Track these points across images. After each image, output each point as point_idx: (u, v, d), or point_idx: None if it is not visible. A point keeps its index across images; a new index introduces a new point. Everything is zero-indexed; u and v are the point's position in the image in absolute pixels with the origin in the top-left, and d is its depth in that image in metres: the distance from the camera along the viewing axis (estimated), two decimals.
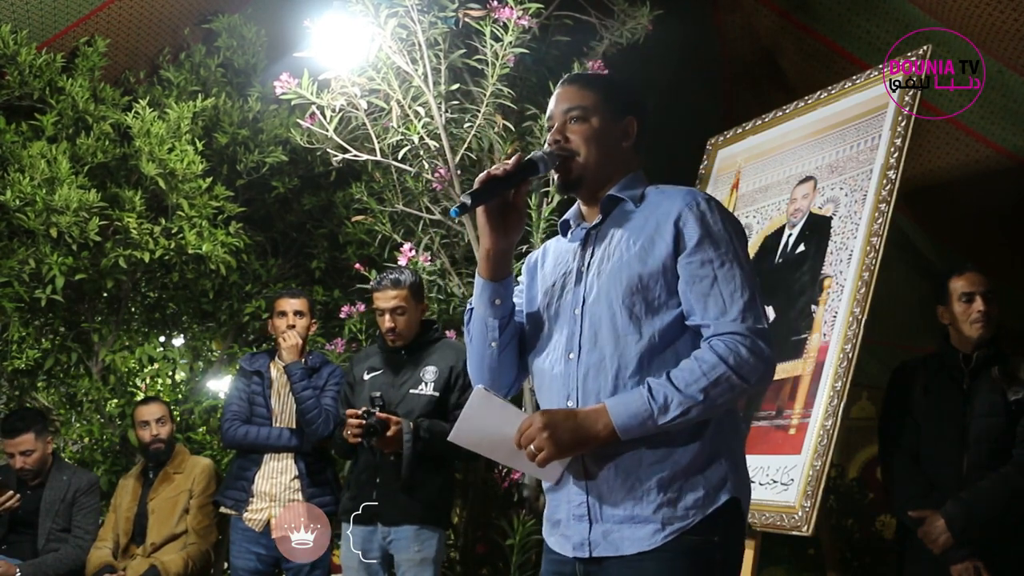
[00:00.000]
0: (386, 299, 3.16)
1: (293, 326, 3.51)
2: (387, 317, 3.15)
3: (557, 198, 3.76)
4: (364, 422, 2.95)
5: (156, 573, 3.43)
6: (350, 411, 3.01)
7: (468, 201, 1.63)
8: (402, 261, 3.74)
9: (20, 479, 3.58)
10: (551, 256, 1.86)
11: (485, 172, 1.67)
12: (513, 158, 1.68)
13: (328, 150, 3.68)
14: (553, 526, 1.74)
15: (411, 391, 3.12)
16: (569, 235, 1.83)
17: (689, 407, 1.56)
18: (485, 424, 1.67)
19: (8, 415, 3.87)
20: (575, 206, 1.84)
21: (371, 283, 3.33)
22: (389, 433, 2.96)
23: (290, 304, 3.56)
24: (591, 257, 1.74)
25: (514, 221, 1.72)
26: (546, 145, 1.77)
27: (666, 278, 1.65)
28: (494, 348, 1.78)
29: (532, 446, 1.58)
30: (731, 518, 1.63)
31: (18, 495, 3.50)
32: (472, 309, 1.80)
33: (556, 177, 1.76)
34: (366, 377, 3.21)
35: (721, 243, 1.64)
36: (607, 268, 1.69)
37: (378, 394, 3.02)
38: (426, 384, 3.12)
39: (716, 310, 1.61)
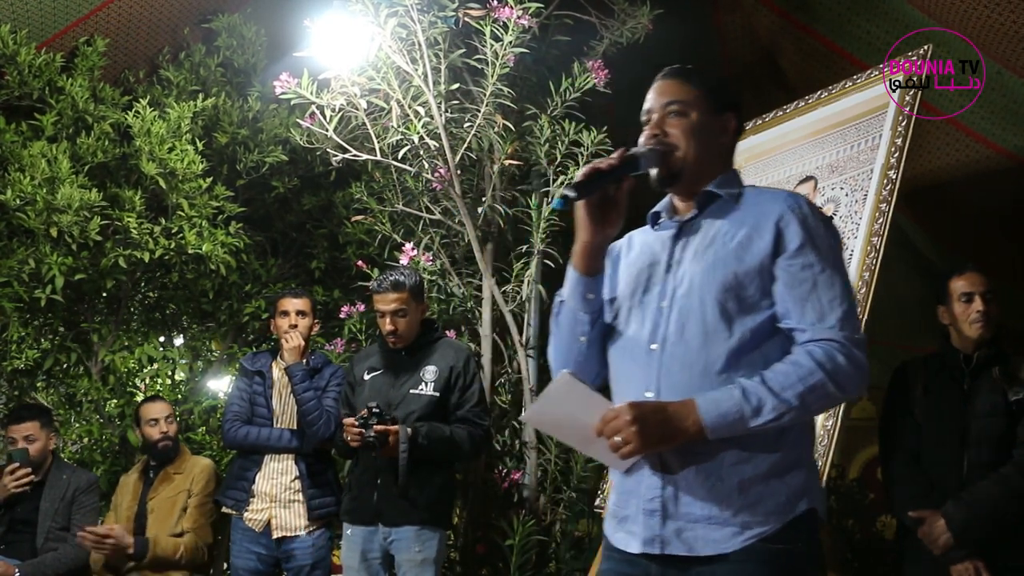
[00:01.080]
0: (386, 302, 3.14)
1: (295, 326, 3.50)
2: (388, 320, 3.14)
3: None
4: (362, 432, 2.94)
5: (145, 544, 3.44)
6: (347, 420, 3.01)
7: (572, 194, 1.60)
8: (403, 260, 3.74)
9: (32, 463, 3.57)
10: (636, 246, 1.82)
11: (590, 165, 1.65)
12: (616, 153, 1.67)
13: (328, 150, 3.68)
14: (619, 523, 1.70)
15: (411, 391, 3.11)
16: (657, 226, 1.81)
17: (783, 412, 1.53)
18: (565, 409, 1.62)
19: (15, 407, 3.88)
20: (666, 198, 1.82)
21: (371, 284, 3.33)
22: (389, 441, 2.96)
23: (293, 304, 3.55)
24: (682, 250, 1.71)
25: (613, 216, 1.69)
26: (642, 139, 1.74)
27: (762, 278, 1.62)
28: (583, 342, 1.75)
29: (618, 437, 1.54)
30: (811, 528, 1.60)
31: (33, 475, 3.51)
32: (562, 302, 1.78)
33: (654, 172, 1.73)
34: (366, 377, 3.21)
35: (823, 249, 1.63)
36: (700, 263, 1.66)
37: (375, 405, 2.99)
38: (426, 384, 3.11)
39: (814, 315, 1.59)
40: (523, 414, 1.69)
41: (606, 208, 1.68)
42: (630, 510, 1.67)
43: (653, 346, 1.65)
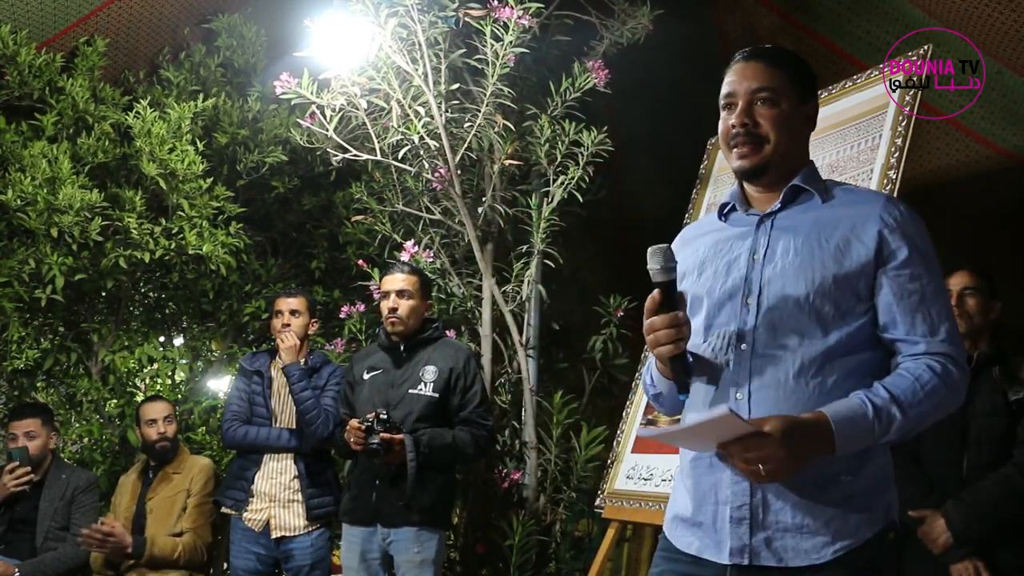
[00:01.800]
0: (394, 281, 3.16)
1: (288, 325, 3.50)
2: (391, 298, 3.14)
3: (558, 198, 3.76)
4: (366, 439, 2.94)
5: (143, 543, 3.44)
6: (353, 421, 3.00)
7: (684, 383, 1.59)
8: (404, 258, 3.74)
9: (32, 460, 3.57)
10: (708, 238, 1.74)
11: (665, 360, 1.59)
12: (667, 348, 1.57)
13: (328, 150, 3.68)
14: (690, 527, 1.63)
15: (410, 391, 3.10)
16: (729, 219, 1.74)
17: (910, 430, 1.52)
18: (707, 436, 1.52)
19: (18, 404, 3.89)
20: (734, 188, 1.74)
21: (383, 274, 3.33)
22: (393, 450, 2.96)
23: (286, 304, 3.55)
24: (768, 246, 1.63)
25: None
26: (723, 129, 1.66)
27: (861, 284, 1.57)
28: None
29: (763, 467, 1.45)
30: (893, 542, 1.59)
31: (32, 474, 3.52)
32: (656, 388, 1.76)
33: (740, 162, 1.65)
34: (366, 377, 3.20)
35: (929, 261, 1.59)
36: (793, 261, 1.59)
37: (384, 412, 2.99)
38: (425, 384, 3.10)
39: (925, 327, 1.56)
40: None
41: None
42: (706, 516, 1.61)
43: (743, 345, 1.59)
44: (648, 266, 1.56)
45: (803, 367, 1.55)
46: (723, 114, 1.68)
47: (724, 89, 1.67)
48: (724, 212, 1.75)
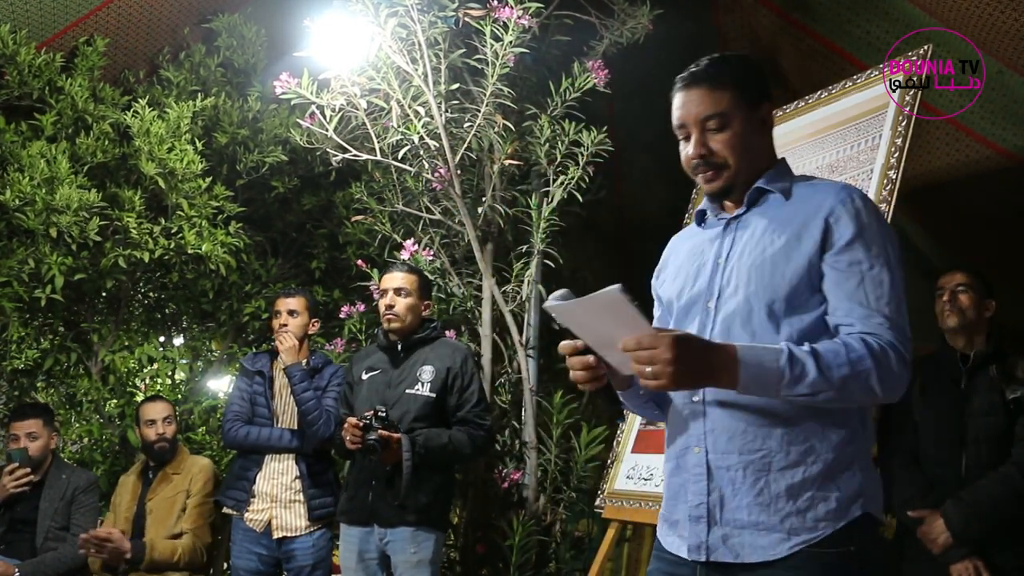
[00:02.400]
0: (392, 280, 3.17)
1: (285, 326, 3.50)
2: (389, 295, 3.15)
3: (557, 198, 3.76)
4: (363, 436, 2.94)
5: (142, 548, 3.44)
6: (351, 419, 3.00)
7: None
8: (404, 256, 3.74)
9: (33, 461, 3.58)
10: (687, 244, 1.79)
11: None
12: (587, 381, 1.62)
13: (328, 150, 3.67)
14: (670, 526, 1.68)
15: (407, 391, 3.10)
16: (705, 224, 1.78)
17: (819, 391, 1.46)
18: (600, 319, 1.50)
19: (19, 404, 3.89)
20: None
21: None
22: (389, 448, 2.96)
23: (284, 304, 3.55)
24: (729, 249, 1.67)
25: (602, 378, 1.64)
26: (684, 158, 1.69)
27: (811, 276, 1.57)
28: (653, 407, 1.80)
29: (649, 369, 1.42)
30: (867, 531, 1.54)
31: (32, 474, 3.52)
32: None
33: (707, 186, 1.69)
34: (364, 377, 3.20)
35: (873, 245, 1.56)
36: (747, 261, 1.62)
37: (382, 410, 3.00)
38: (422, 384, 3.10)
39: (863, 311, 1.53)
40: (548, 302, 1.58)
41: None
42: (679, 514, 1.64)
43: None
44: (556, 323, 1.59)
45: None
46: (681, 143, 1.71)
47: (674, 117, 1.69)
48: (701, 218, 1.80)
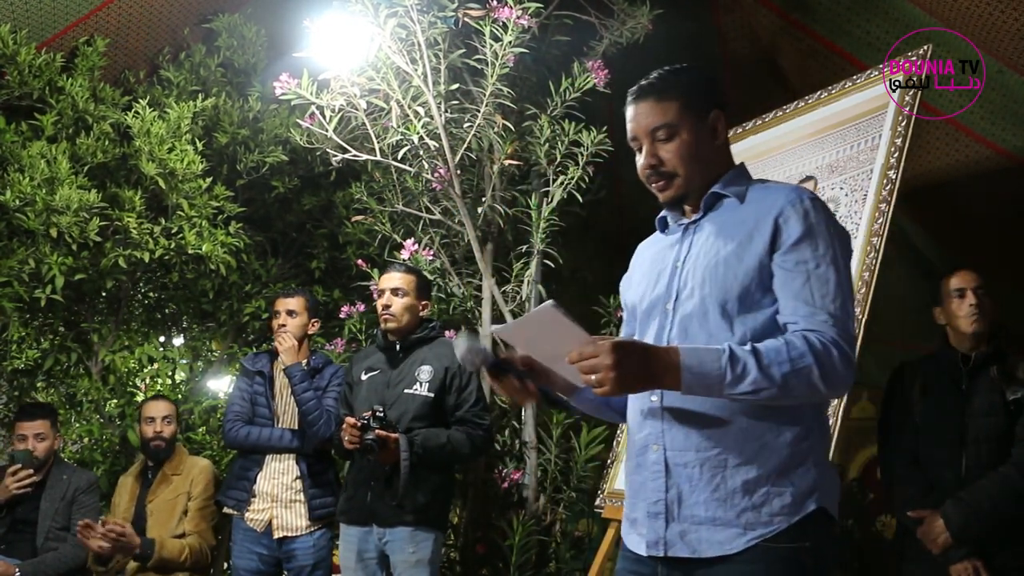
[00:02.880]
0: (390, 280, 3.18)
1: (284, 326, 3.50)
2: (386, 295, 3.16)
3: (557, 198, 3.76)
4: (361, 435, 2.94)
5: (151, 545, 3.44)
6: (349, 419, 3.00)
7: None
8: (404, 256, 3.74)
9: (40, 462, 3.58)
10: (650, 252, 1.85)
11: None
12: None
13: (328, 150, 3.68)
14: (631, 524, 1.71)
15: (405, 391, 3.10)
16: (667, 230, 1.83)
17: (761, 388, 1.48)
18: (542, 335, 1.59)
19: (26, 404, 3.89)
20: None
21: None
22: (387, 448, 2.96)
23: (283, 304, 3.56)
24: (687, 252, 1.71)
25: (543, 380, 1.73)
26: (639, 169, 1.74)
27: (762, 276, 1.61)
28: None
29: (594, 377, 1.48)
30: (821, 526, 1.58)
31: (35, 476, 3.52)
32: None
33: (661, 195, 1.74)
34: (363, 377, 3.21)
35: (820, 244, 1.59)
36: (702, 263, 1.66)
37: (380, 410, 3.00)
38: (421, 384, 3.11)
39: (807, 308, 1.56)
40: (496, 329, 1.69)
41: (531, 380, 1.71)
42: (638, 512, 1.68)
43: None
44: (470, 366, 1.70)
45: None
46: (636, 155, 1.75)
47: (628, 130, 1.75)
48: (664, 225, 1.85)
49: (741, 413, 1.58)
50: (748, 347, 1.51)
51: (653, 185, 1.73)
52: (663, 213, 1.83)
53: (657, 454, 1.64)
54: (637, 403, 1.71)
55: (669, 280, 1.71)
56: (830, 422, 2.70)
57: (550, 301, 1.53)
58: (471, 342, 1.69)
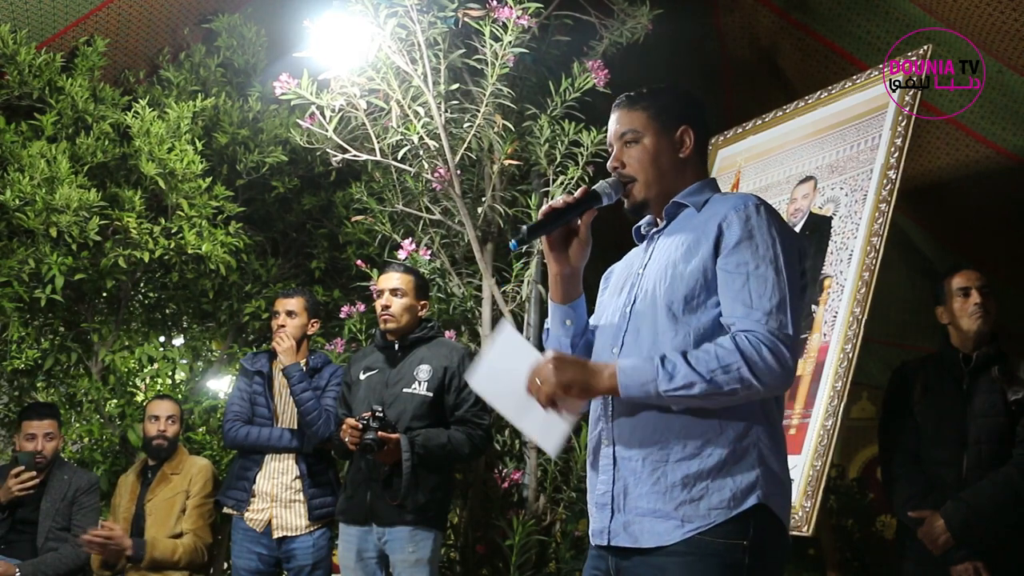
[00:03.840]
0: (388, 280, 3.20)
1: (283, 326, 3.51)
2: (385, 295, 3.17)
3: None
4: (361, 435, 2.94)
5: (143, 546, 3.45)
6: (349, 420, 3.00)
7: (525, 234, 1.73)
8: (401, 255, 3.74)
9: (47, 461, 3.58)
10: (625, 262, 1.94)
11: (548, 205, 1.75)
12: (580, 190, 1.77)
13: (328, 150, 3.68)
14: (590, 518, 1.79)
15: (404, 390, 3.11)
16: (641, 241, 1.92)
17: (692, 383, 1.57)
18: (507, 366, 1.70)
19: (33, 403, 3.89)
20: (649, 215, 1.90)
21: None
22: (386, 448, 2.96)
23: (283, 304, 3.56)
24: (648, 259, 1.81)
25: (577, 248, 1.81)
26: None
27: (705, 278, 1.68)
28: None
29: (538, 379, 1.63)
30: (762, 523, 1.62)
31: (37, 477, 3.52)
32: (548, 330, 1.90)
33: (624, 204, 1.82)
34: (362, 377, 3.21)
35: (760, 246, 1.66)
36: (655, 268, 1.75)
37: (380, 411, 3.00)
38: (419, 383, 3.11)
39: (743, 309, 1.63)
40: (470, 380, 1.80)
41: (569, 241, 1.80)
42: (592, 507, 1.77)
43: (614, 350, 1.75)
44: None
45: None
46: None
47: (607, 139, 1.87)
48: (638, 234, 1.93)
49: (686, 411, 1.65)
50: (679, 352, 1.62)
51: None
52: (638, 224, 1.91)
53: (608, 449, 1.73)
54: (595, 404, 1.81)
55: (631, 286, 1.80)
56: (830, 423, 2.71)
57: (503, 320, 1.62)
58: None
